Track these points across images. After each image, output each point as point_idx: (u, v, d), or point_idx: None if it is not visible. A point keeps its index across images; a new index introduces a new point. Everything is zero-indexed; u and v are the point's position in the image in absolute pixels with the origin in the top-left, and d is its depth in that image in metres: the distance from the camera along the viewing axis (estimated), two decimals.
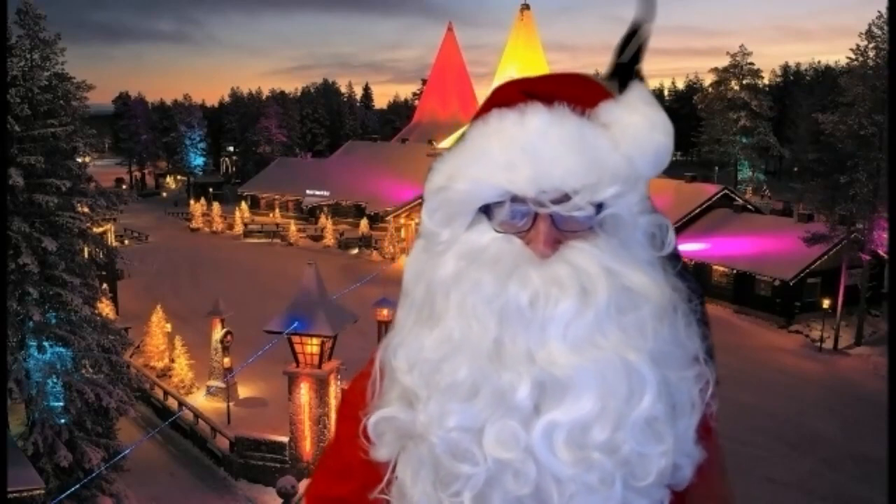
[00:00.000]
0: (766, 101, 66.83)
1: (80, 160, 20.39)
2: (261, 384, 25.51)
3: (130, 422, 21.81)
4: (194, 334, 28.01)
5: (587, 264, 0.94)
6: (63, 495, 17.04)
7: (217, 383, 25.38)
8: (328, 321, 19.81)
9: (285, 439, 21.12)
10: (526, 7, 68.41)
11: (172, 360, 27.17)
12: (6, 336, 16.50)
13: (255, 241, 56.04)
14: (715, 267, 37.29)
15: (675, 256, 1.07)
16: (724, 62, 68.27)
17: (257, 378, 25.30)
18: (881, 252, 32.36)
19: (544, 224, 0.95)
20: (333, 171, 61.93)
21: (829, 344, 32.12)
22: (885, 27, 32.65)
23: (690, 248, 36.20)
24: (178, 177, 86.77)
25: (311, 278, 20.58)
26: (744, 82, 67.37)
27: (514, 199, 0.96)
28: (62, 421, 18.09)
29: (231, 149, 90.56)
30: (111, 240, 37.74)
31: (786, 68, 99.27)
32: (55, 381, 18.05)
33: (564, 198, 0.94)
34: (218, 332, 25.43)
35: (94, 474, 17.86)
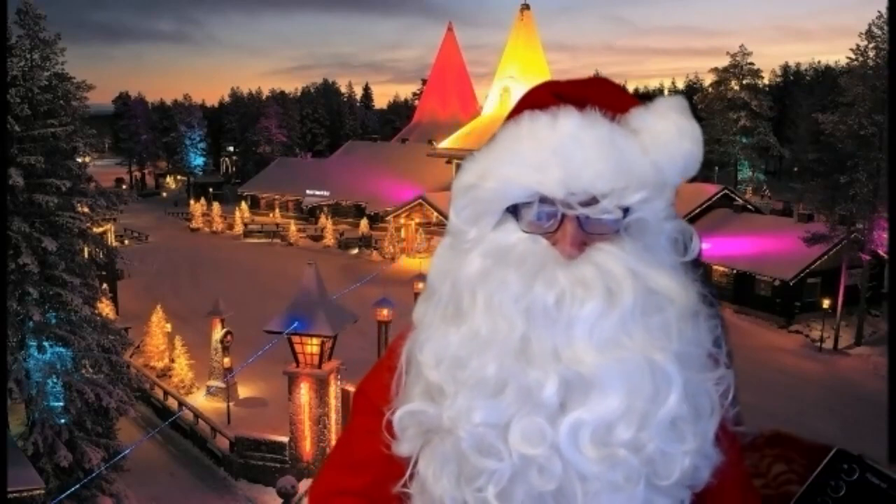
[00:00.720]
0: (766, 101, 66.80)
1: (80, 160, 20.40)
2: (261, 384, 25.51)
3: (130, 422, 21.81)
4: (194, 334, 28.01)
5: (613, 266, 0.95)
6: (63, 495, 17.04)
7: (217, 383, 25.38)
8: (328, 321, 19.81)
9: (285, 439, 21.12)
10: (526, 7, 68.32)
11: (172, 360, 27.18)
12: (6, 336, 16.50)
13: (255, 241, 56.05)
14: (715, 267, 37.27)
15: (696, 262, 1.09)
16: (724, 62, 68.26)
17: (257, 378, 25.30)
18: (881, 252, 32.35)
19: (571, 226, 0.97)
20: (333, 171, 61.93)
21: (829, 344, 32.13)
22: (885, 27, 32.64)
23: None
24: (178, 177, 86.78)
25: (311, 278, 20.58)
26: (744, 82, 67.36)
27: (543, 200, 0.97)
28: (62, 421, 18.09)
29: (231, 149, 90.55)
30: (111, 240, 37.74)
31: (786, 68, 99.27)
32: (55, 381, 18.05)
33: (592, 200, 0.95)
34: (218, 332, 25.43)
35: (94, 474, 17.86)
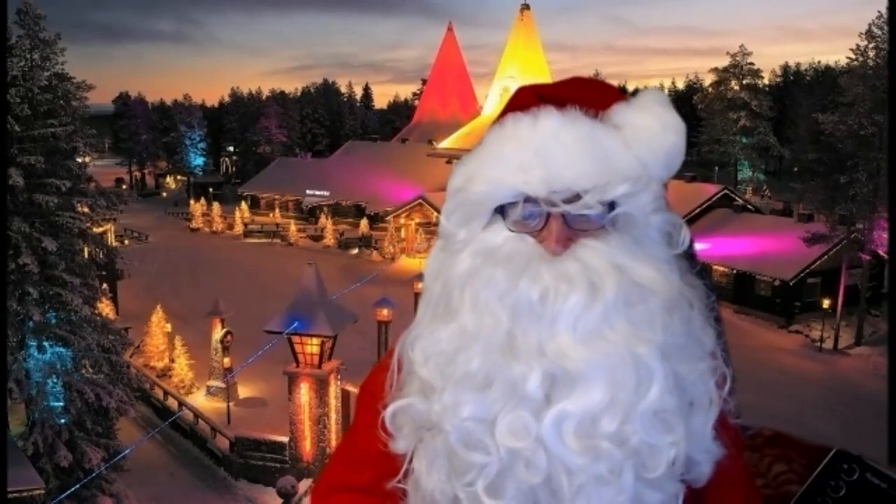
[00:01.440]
0: (766, 101, 66.81)
1: (80, 160, 20.40)
2: (261, 384, 25.51)
3: (130, 422, 21.81)
4: (194, 334, 28.01)
5: (596, 261, 0.96)
6: (63, 495, 17.04)
7: (217, 383, 25.37)
8: (328, 321, 19.81)
9: (285, 439, 21.12)
10: (526, 7, 68.30)
11: (172, 360, 27.18)
12: (6, 336, 16.50)
13: (255, 241, 56.05)
14: (715, 267, 37.25)
15: (692, 257, 1.11)
16: (724, 62, 68.32)
17: (257, 378, 25.30)
18: (881, 252, 32.35)
19: (556, 223, 0.98)
20: (333, 171, 61.92)
21: (829, 344, 32.13)
22: (885, 27, 32.64)
23: (696, 248, 36.16)
24: (178, 177, 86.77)
25: (311, 278, 20.58)
26: (744, 82, 67.37)
27: (528, 199, 0.99)
28: (62, 421, 18.09)
29: (231, 149, 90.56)
30: (111, 240, 37.74)
31: (786, 68, 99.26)
32: (55, 381, 18.05)
33: (575, 197, 0.96)
34: (218, 332, 25.43)
35: (94, 474, 17.86)
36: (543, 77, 58.66)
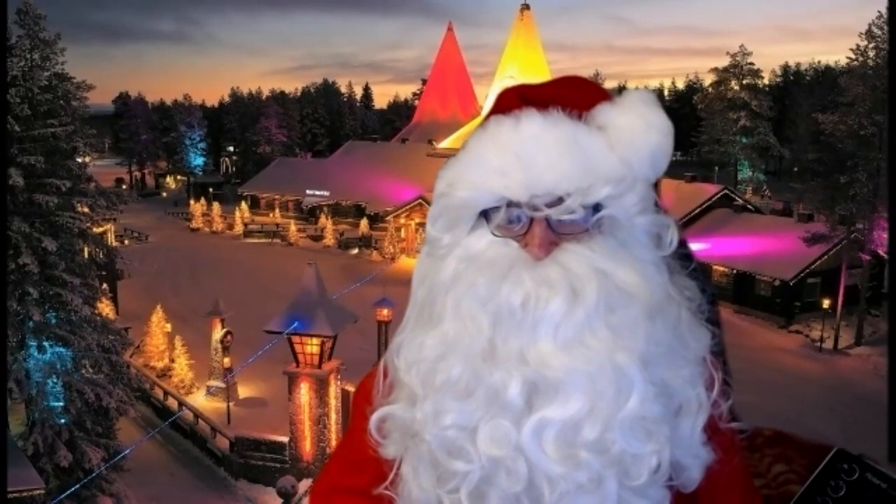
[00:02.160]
0: (766, 101, 66.81)
1: (80, 160, 20.39)
2: (261, 384, 25.51)
3: (130, 422, 21.80)
4: (194, 334, 28.01)
5: (577, 265, 0.95)
6: (63, 495, 17.04)
7: (217, 383, 25.37)
8: (328, 321, 19.81)
9: (285, 439, 21.12)
10: (526, 7, 68.36)
11: (172, 360, 27.17)
12: (6, 336, 16.50)
13: (255, 241, 56.03)
14: (715, 267, 37.26)
15: (686, 257, 1.09)
16: (724, 62, 68.30)
17: (257, 378, 25.30)
18: (881, 252, 32.35)
19: (539, 227, 0.97)
20: (333, 171, 61.92)
21: (829, 344, 32.12)
22: (885, 27, 32.64)
23: (690, 247, 36.14)
24: (178, 177, 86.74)
25: (311, 278, 20.58)
26: (744, 82, 67.36)
27: (510, 203, 0.97)
28: (62, 421, 18.09)
29: (231, 149, 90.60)
30: (111, 240, 37.73)
31: (786, 68, 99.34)
32: (55, 381, 18.05)
33: (558, 201, 0.95)
34: (218, 332, 25.43)
35: (94, 474, 17.86)
36: (543, 77, 58.58)
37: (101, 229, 26.86)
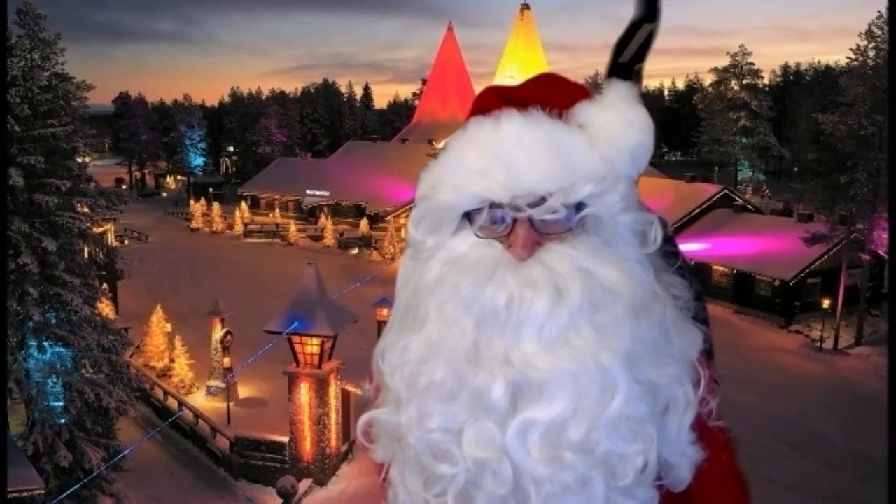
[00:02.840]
0: (766, 101, 66.82)
1: (80, 160, 20.37)
2: (261, 384, 25.50)
3: (130, 422, 21.79)
4: (194, 334, 28.00)
5: (560, 265, 0.95)
6: (63, 495, 17.03)
7: (217, 383, 25.37)
8: (328, 321, 19.81)
9: (285, 439, 21.11)
10: (526, 7, 68.36)
11: (172, 360, 27.16)
12: (6, 336, 16.50)
13: (255, 241, 56.03)
14: (715, 267, 37.28)
15: (672, 254, 1.08)
16: (724, 62, 68.35)
17: (257, 378, 25.29)
18: (881, 252, 32.35)
19: (522, 228, 0.97)
20: (333, 171, 61.92)
21: (829, 344, 32.11)
22: (885, 27, 32.64)
23: (690, 248, 36.18)
24: (178, 177, 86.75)
25: (311, 278, 20.58)
26: (744, 82, 67.37)
27: (493, 205, 0.97)
28: (62, 421, 18.08)
29: (231, 149, 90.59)
30: (111, 240, 37.71)
31: (786, 68, 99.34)
32: (55, 381, 18.04)
33: (540, 201, 0.95)
34: (218, 332, 25.43)
35: (94, 474, 17.85)
36: None
37: (101, 229, 26.85)
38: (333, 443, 20.74)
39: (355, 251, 51.25)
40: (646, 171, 1.13)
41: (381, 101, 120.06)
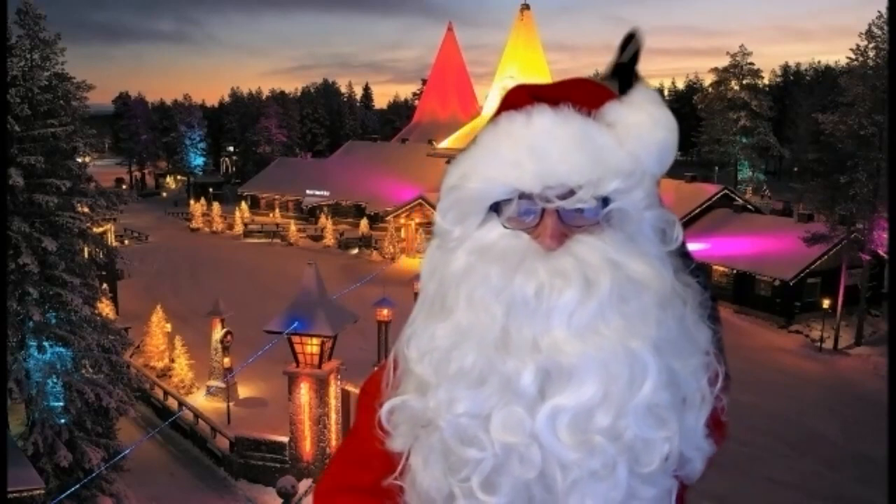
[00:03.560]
0: (766, 101, 66.81)
1: (80, 160, 20.36)
2: (261, 384, 25.51)
3: (130, 422, 21.79)
4: (194, 334, 28.00)
5: (590, 256, 0.97)
6: (63, 495, 17.03)
7: (217, 383, 25.37)
8: (328, 321, 19.80)
9: (285, 439, 21.12)
10: (526, 7, 68.35)
11: (172, 360, 27.17)
12: (6, 336, 16.50)
13: (255, 241, 56.03)
14: (715, 267, 37.26)
15: (687, 255, 1.12)
16: (724, 62, 68.32)
17: (257, 378, 25.29)
18: (881, 252, 32.36)
19: (550, 219, 0.99)
20: (333, 171, 61.92)
21: (829, 344, 32.12)
22: (885, 27, 32.64)
23: (690, 247, 36.04)
24: (178, 177, 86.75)
25: (311, 278, 20.58)
26: (744, 82, 67.36)
27: (522, 196, 0.99)
28: (62, 421, 18.08)
29: (231, 149, 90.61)
30: (111, 240, 37.72)
31: (786, 68, 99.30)
32: (55, 381, 18.04)
33: (569, 193, 0.97)
34: (218, 332, 25.43)
35: (94, 474, 17.85)
36: (543, 77, 58.66)
37: (101, 229, 26.85)
38: (333, 443, 20.73)
39: (355, 251, 51.24)
40: None
41: (381, 101, 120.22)
